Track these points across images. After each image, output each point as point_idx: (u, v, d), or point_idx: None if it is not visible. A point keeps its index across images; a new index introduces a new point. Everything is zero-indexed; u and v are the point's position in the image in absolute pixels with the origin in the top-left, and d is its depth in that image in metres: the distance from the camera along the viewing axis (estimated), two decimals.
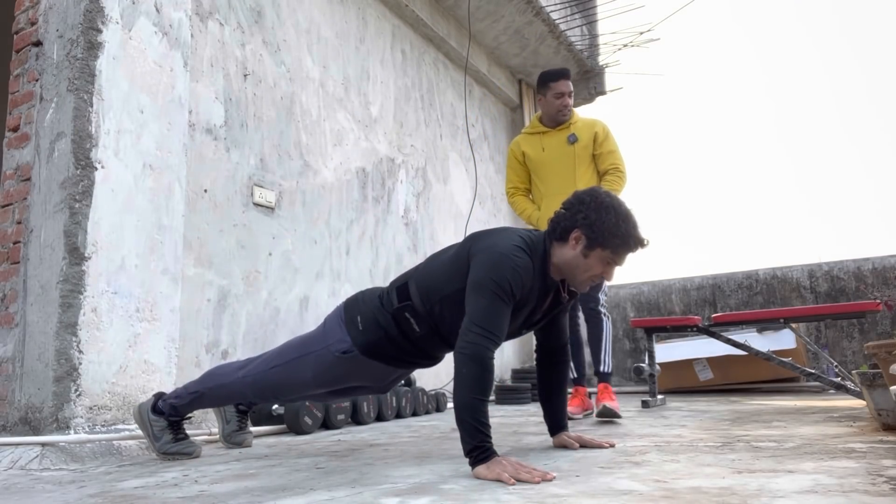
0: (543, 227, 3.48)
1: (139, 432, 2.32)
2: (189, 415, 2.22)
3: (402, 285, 1.95)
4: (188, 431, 2.28)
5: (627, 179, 3.31)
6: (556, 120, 3.35)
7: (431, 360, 2.05)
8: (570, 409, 3.12)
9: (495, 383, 5.22)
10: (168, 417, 2.15)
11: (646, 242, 1.89)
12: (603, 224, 1.84)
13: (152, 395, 2.22)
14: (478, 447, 1.61)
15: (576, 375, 3.33)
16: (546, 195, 3.35)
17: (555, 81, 3.31)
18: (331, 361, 1.95)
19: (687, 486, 1.39)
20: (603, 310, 3.29)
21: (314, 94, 3.92)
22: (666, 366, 4.82)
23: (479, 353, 1.68)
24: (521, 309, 1.87)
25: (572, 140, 3.29)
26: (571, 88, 3.35)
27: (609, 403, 2.98)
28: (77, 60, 2.41)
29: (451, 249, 1.96)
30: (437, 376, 4.56)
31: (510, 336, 2.01)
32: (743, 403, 3.76)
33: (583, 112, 4.03)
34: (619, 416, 2.98)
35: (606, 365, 3.24)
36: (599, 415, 3.01)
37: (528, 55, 6.15)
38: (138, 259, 2.50)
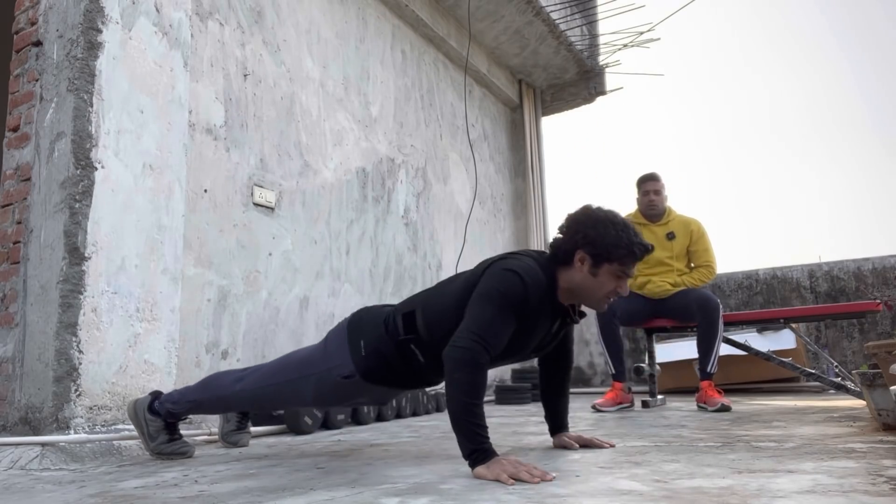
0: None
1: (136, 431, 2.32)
2: (186, 417, 2.22)
3: (408, 313, 1.89)
4: (188, 431, 2.28)
5: (715, 272, 3.88)
6: (649, 214, 3.91)
7: (430, 385, 2.03)
8: (601, 402, 3.61)
9: (495, 383, 5.21)
10: (165, 419, 2.15)
11: (650, 247, 1.86)
12: (604, 239, 1.80)
13: (149, 393, 2.21)
14: (476, 450, 1.60)
15: (614, 372, 3.71)
16: (643, 269, 3.84)
17: (643, 183, 3.95)
18: (332, 384, 1.92)
19: (687, 486, 1.39)
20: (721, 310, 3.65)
21: (314, 94, 3.92)
22: (666, 366, 4.81)
23: (473, 358, 1.65)
24: (533, 331, 1.84)
25: (671, 237, 3.89)
26: (658, 188, 3.92)
27: (724, 401, 3.34)
28: (77, 60, 2.41)
29: (461, 277, 1.92)
30: None
31: (519, 358, 1.98)
32: (743, 403, 3.76)
33: (593, 106, 4.36)
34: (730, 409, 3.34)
35: (715, 365, 3.60)
36: (718, 411, 3.30)
37: (528, 55, 6.14)
38: (138, 259, 2.50)
